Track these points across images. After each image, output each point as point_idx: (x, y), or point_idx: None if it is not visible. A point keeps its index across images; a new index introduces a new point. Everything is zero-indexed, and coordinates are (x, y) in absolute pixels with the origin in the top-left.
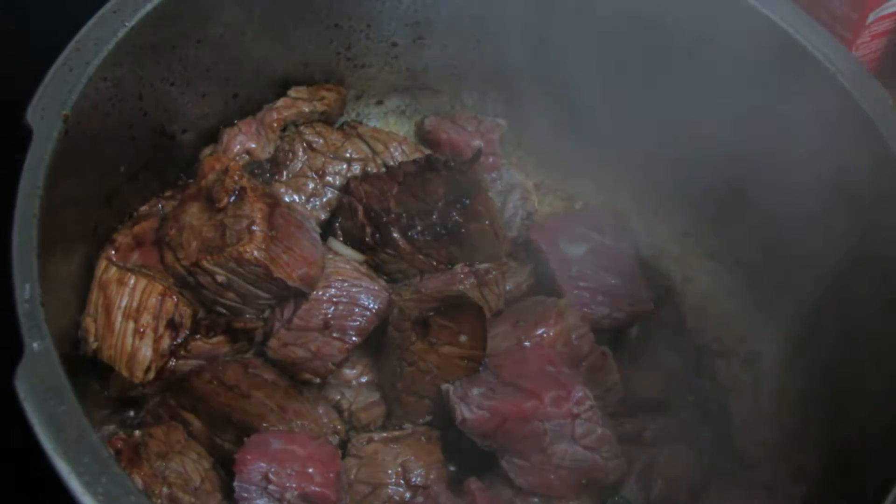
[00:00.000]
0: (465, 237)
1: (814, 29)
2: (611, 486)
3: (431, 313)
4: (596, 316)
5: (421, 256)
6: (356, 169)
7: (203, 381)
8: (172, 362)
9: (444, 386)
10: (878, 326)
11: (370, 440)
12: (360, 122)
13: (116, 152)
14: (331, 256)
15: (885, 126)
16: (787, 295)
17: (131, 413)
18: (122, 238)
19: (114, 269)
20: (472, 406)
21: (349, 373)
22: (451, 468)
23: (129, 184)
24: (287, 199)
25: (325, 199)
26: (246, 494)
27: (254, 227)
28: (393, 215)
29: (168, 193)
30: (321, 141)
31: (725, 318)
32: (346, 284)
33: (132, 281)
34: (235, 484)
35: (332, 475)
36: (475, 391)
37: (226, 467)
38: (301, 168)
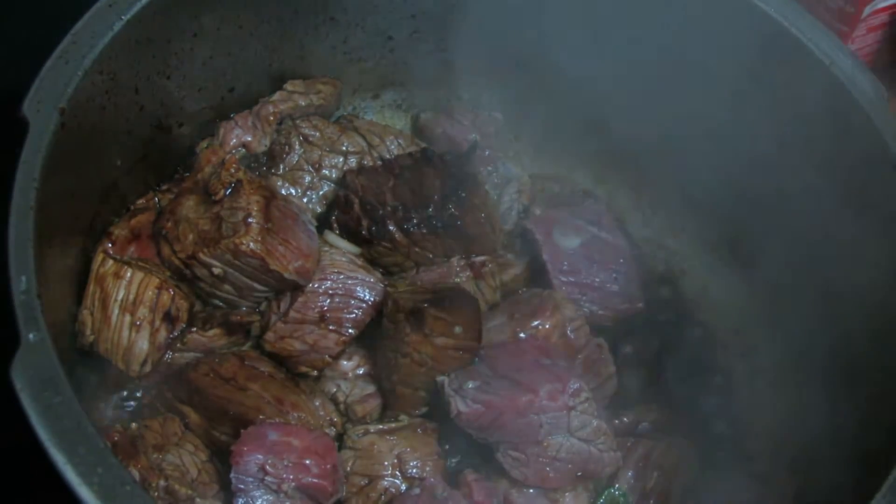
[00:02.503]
0: (461, 230)
1: (809, 22)
2: (607, 478)
3: (425, 305)
4: (583, 313)
5: (417, 249)
6: (352, 162)
7: (200, 374)
8: (169, 355)
9: (440, 378)
10: (875, 320)
11: (366, 432)
12: (357, 116)
13: (113, 145)
14: (327, 249)
15: (880, 120)
16: (784, 288)
17: (128, 405)
18: (119, 231)
19: (110, 262)
20: (467, 400)
21: (345, 365)
22: (448, 460)
23: (126, 177)
24: (283, 192)
25: (321, 193)
26: (243, 486)
27: (250, 220)
28: (389, 208)
29: (165, 187)
30: (317, 134)
31: (722, 311)
32: (342, 277)
33: (129, 274)
34: (232, 476)
35: (328, 466)
36: (470, 385)
37: (223, 459)
38: (297, 161)
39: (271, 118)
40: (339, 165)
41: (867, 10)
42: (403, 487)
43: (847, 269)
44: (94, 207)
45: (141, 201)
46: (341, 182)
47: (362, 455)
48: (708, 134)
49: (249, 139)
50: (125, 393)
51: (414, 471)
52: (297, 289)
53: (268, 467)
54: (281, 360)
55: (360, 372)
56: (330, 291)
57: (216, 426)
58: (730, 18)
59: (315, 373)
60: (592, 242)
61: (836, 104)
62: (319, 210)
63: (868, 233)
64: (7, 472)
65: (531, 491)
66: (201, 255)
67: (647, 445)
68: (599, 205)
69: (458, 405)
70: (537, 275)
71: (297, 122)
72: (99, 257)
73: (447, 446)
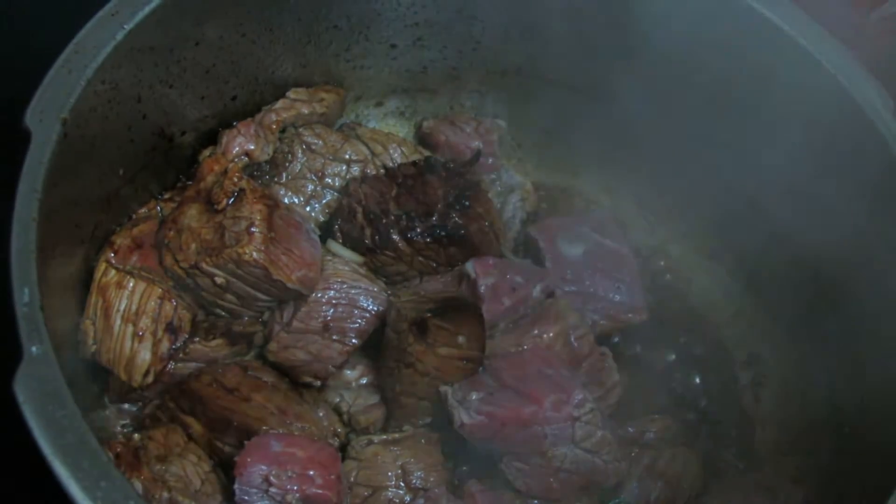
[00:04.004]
0: (464, 238)
1: (815, 31)
2: (611, 489)
3: (429, 315)
4: (586, 322)
5: (420, 258)
6: (355, 171)
7: (202, 384)
8: (171, 365)
9: (443, 389)
10: (878, 327)
11: (370, 442)
12: (360, 124)
13: (115, 155)
14: (329, 258)
15: (885, 127)
16: (788, 296)
17: (130, 416)
18: (121, 240)
19: (113, 272)
20: (470, 411)
21: (349, 374)
22: (452, 470)
23: (128, 186)
24: (286, 201)
25: (324, 201)
26: (247, 497)
27: (253, 229)
28: (392, 217)
29: (167, 195)
30: (320, 143)
31: (725, 319)
32: (345, 286)
33: (131, 284)
34: (236, 487)
35: (332, 477)
36: (474, 396)
37: (226, 470)
38: (300, 170)
39: (274, 126)
40: (342, 174)
41: (874, 18)
42: (407, 498)
43: (853, 275)
44: (96, 216)
45: (143, 210)
46: (344, 191)
47: (366, 465)
48: (713, 142)
49: (252, 147)
50: (127, 404)
51: (418, 481)
52: (300, 298)
53: (272, 478)
54: (284, 371)
55: (364, 382)
56: (333, 301)
57: (219, 437)
58: (735, 27)
59: (318, 383)
60: (596, 250)
61: (843, 113)
62: (322, 219)
63: (874, 239)
64: (8, 483)
65: (535, 502)
66: (204, 265)
67: (652, 455)
68: (604, 213)
69: (462, 416)
70: None
71: (300, 130)
72: (101, 267)
73: (451, 457)
